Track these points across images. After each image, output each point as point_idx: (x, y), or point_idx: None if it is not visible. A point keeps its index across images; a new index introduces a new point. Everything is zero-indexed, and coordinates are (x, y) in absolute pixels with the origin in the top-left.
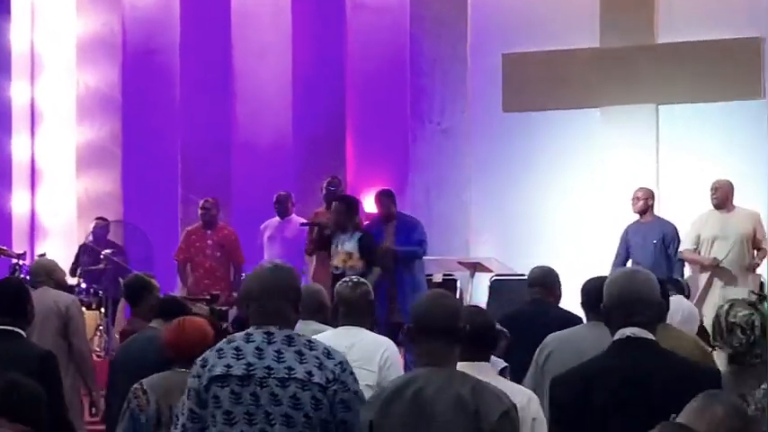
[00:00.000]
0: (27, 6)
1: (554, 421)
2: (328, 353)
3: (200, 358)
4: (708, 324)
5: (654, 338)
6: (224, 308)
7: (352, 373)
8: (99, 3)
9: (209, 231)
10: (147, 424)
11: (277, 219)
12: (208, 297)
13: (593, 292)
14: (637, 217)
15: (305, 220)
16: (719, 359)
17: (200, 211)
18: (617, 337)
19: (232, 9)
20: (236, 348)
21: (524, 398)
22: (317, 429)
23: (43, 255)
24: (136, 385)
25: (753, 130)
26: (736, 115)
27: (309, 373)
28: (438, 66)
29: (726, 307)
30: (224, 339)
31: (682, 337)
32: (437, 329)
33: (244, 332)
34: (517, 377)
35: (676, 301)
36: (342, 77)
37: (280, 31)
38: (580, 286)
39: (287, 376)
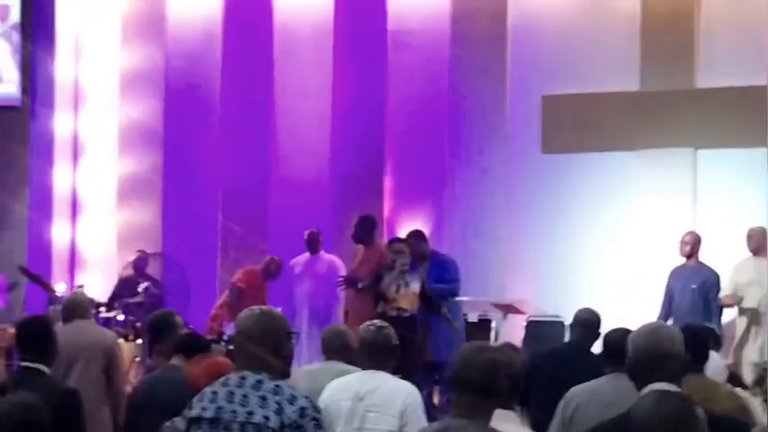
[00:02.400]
0: (72, 39)
1: None
2: (293, 398)
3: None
4: (746, 372)
5: (680, 391)
6: None
7: (315, 419)
8: (143, 36)
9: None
10: None
11: (307, 255)
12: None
13: (614, 343)
14: (683, 260)
15: (335, 259)
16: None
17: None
18: (645, 392)
19: (274, 46)
20: (214, 392)
21: None
22: None
23: (81, 286)
24: (167, 423)
25: None
26: None
27: (266, 418)
28: (477, 106)
29: None
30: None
31: (717, 389)
32: (472, 383)
33: (225, 377)
34: (541, 411)
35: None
36: (381, 116)
37: (321, 69)
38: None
39: (245, 420)
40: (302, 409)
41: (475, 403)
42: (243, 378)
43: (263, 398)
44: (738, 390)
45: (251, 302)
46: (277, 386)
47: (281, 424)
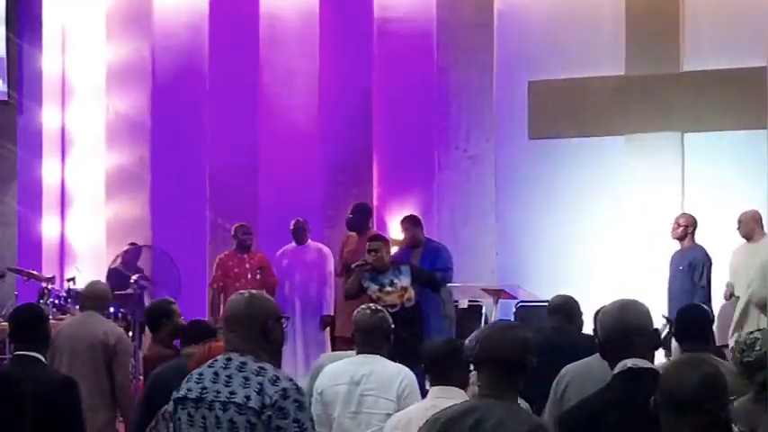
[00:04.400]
0: (58, 32)
1: None
2: (276, 379)
3: None
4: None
5: (653, 366)
6: None
7: (297, 401)
8: (129, 29)
9: (245, 256)
10: None
11: (293, 244)
12: None
13: None
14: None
15: (322, 247)
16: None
17: (239, 237)
18: (617, 369)
19: (260, 36)
20: (200, 373)
21: None
22: None
23: (72, 279)
24: (164, 407)
25: None
26: (762, 143)
27: (247, 398)
28: (464, 93)
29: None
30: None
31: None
32: (502, 361)
33: (213, 359)
34: (532, 402)
35: None
36: (368, 104)
37: (307, 58)
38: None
39: (227, 400)
40: (284, 390)
41: (504, 382)
42: (229, 360)
43: (246, 378)
44: None
45: (240, 286)
46: (261, 368)
47: (261, 404)
